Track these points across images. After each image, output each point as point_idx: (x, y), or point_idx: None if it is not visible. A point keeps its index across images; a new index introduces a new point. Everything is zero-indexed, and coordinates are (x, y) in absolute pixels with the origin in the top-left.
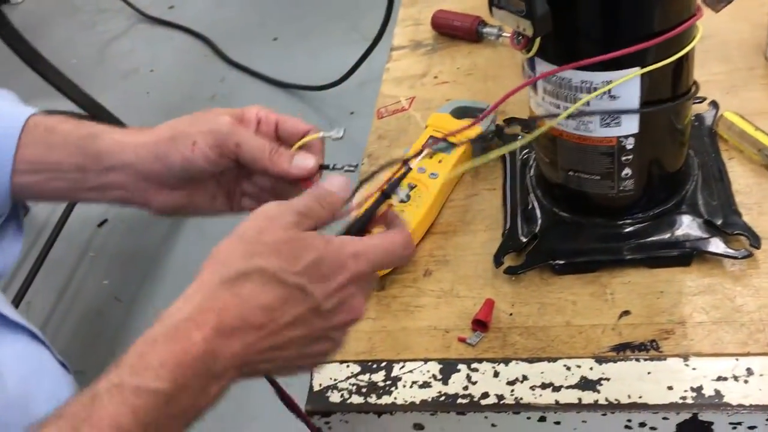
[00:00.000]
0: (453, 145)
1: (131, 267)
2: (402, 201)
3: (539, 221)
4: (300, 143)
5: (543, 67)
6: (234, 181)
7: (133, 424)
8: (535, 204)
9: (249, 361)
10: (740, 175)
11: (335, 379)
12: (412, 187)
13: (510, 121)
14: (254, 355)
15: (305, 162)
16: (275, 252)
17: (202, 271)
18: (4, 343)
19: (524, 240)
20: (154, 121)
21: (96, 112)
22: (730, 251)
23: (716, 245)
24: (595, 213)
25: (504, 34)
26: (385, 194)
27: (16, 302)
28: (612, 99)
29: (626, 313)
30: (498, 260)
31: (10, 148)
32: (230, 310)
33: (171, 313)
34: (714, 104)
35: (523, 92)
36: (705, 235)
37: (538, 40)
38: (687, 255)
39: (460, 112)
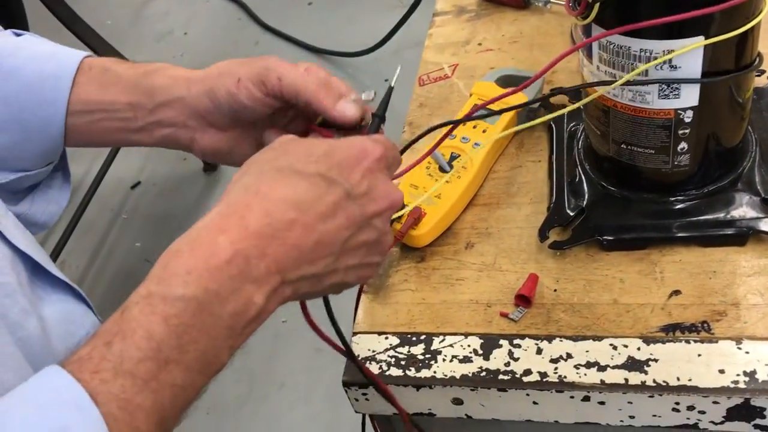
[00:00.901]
0: (498, 114)
1: (163, 229)
2: (444, 171)
3: (586, 195)
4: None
5: (599, 33)
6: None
7: (166, 332)
8: (583, 177)
9: (290, 262)
10: None
11: (374, 351)
12: (454, 157)
13: (557, 90)
14: (295, 255)
15: (348, 109)
16: (286, 152)
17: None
18: (49, 301)
19: (571, 214)
20: None
21: None
22: None
23: None
24: (646, 188)
25: (552, 0)
26: (380, 117)
27: None
28: (672, 69)
29: (676, 292)
30: (543, 234)
31: (65, 88)
32: (253, 209)
33: (193, 227)
34: None
35: (572, 61)
36: (762, 215)
37: (596, 6)
38: (742, 234)
39: (505, 81)
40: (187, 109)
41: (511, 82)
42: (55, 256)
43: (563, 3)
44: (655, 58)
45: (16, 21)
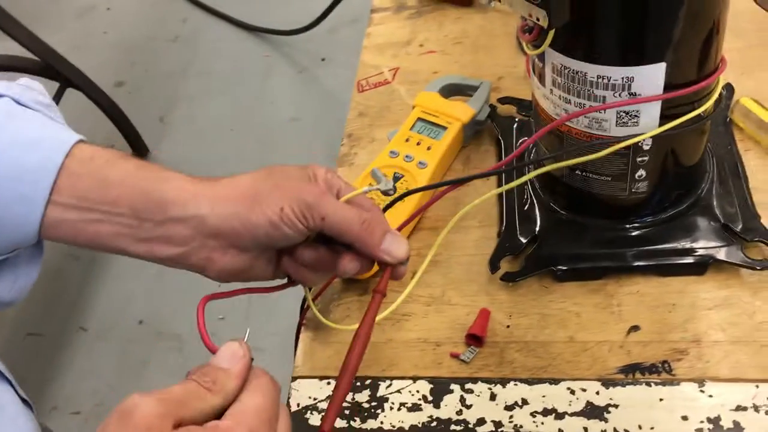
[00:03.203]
0: (443, 129)
1: None
2: (387, 193)
3: (538, 221)
4: (345, 198)
5: (554, 58)
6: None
7: None
8: (534, 201)
9: None
10: (758, 170)
11: (315, 399)
12: (398, 178)
13: (504, 100)
14: None
15: (397, 250)
16: None
17: None
18: None
19: (523, 241)
20: (112, 64)
21: (46, 58)
22: (749, 261)
23: (733, 254)
24: (599, 213)
25: None
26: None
27: None
28: (632, 96)
29: (635, 328)
30: (494, 266)
31: (46, 186)
32: None
33: None
34: (729, 88)
35: (518, 67)
36: (721, 243)
37: (551, 33)
38: (701, 263)
39: (449, 90)
40: (207, 229)
41: (456, 90)
42: None
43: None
44: (614, 85)
45: None
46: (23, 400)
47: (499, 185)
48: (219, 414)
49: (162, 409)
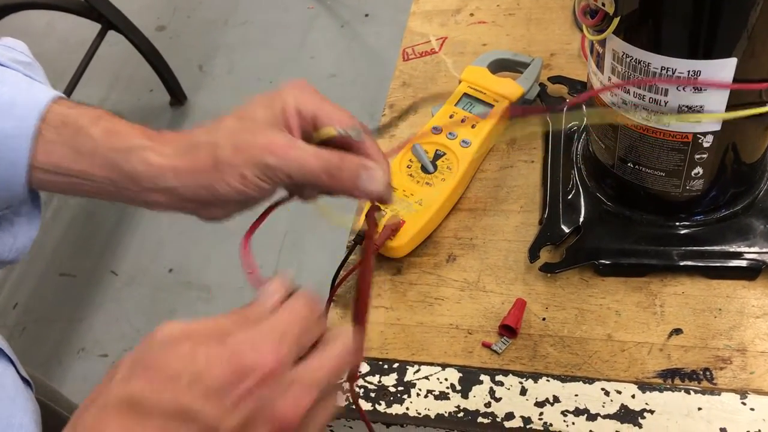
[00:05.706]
0: (490, 106)
1: None
2: (427, 171)
3: (583, 211)
4: (310, 152)
5: (615, 44)
6: None
7: None
8: (580, 189)
9: None
10: None
11: (340, 378)
12: (439, 156)
13: (556, 79)
14: None
15: (371, 185)
16: (144, 369)
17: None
18: None
19: (566, 231)
20: (154, 8)
21: None
22: None
23: None
24: (648, 209)
25: None
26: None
27: None
28: (697, 91)
29: (677, 331)
30: (534, 255)
31: (25, 148)
32: None
33: None
34: None
35: (572, 43)
36: None
37: (616, 20)
38: (753, 268)
39: (498, 65)
40: (180, 197)
41: (505, 66)
42: None
43: None
44: (679, 77)
45: None
46: (24, 380)
47: (545, 171)
48: None
49: (187, 329)
